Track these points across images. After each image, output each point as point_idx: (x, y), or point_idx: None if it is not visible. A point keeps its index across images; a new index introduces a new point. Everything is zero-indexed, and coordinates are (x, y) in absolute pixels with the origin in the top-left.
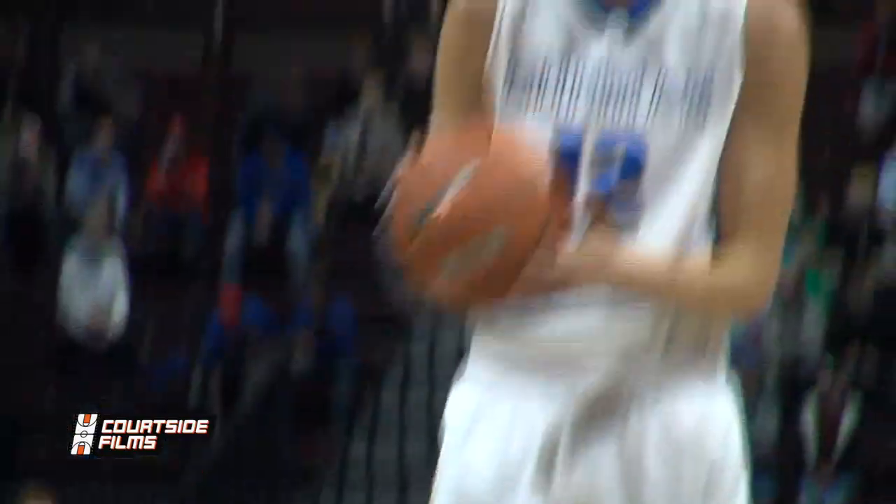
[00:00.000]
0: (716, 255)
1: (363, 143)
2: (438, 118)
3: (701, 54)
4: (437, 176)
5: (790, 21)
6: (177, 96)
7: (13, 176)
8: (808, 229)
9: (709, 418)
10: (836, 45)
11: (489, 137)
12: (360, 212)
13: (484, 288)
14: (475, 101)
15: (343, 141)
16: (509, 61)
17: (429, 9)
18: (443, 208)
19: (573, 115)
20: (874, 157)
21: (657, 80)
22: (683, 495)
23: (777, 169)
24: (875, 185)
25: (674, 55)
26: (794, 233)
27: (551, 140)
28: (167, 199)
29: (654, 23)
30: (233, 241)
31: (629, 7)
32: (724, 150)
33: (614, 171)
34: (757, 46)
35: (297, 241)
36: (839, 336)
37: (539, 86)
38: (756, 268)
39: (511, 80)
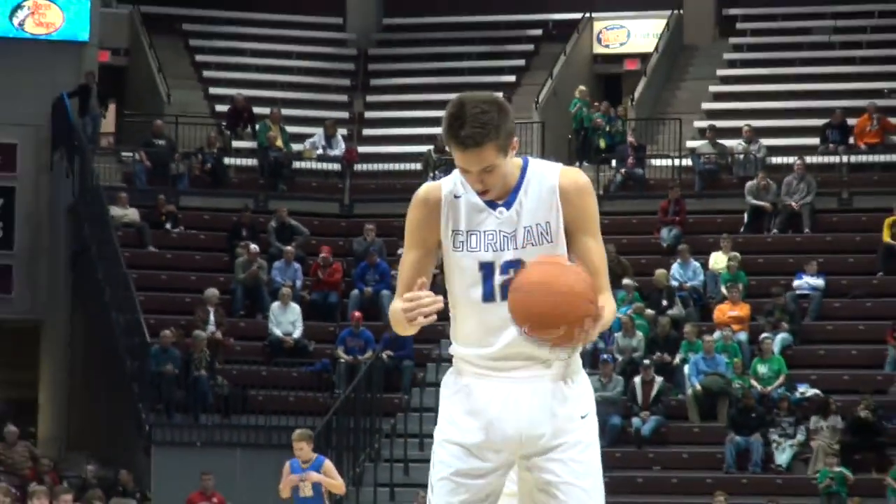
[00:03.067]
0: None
1: None
2: (406, 255)
3: (543, 213)
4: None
5: (582, 181)
6: (323, 234)
7: (246, 271)
8: (634, 297)
9: (578, 384)
10: (649, 208)
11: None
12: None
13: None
14: (424, 245)
15: None
16: (453, 231)
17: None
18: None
19: (485, 254)
20: (669, 261)
21: (524, 231)
22: (570, 418)
23: (599, 252)
24: (669, 274)
25: (530, 218)
26: (627, 297)
27: (478, 265)
28: (321, 283)
29: (517, 206)
30: (352, 301)
31: (504, 202)
32: (569, 249)
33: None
34: (568, 197)
35: (385, 300)
36: (651, 347)
37: (466, 242)
38: (613, 304)
39: (452, 239)
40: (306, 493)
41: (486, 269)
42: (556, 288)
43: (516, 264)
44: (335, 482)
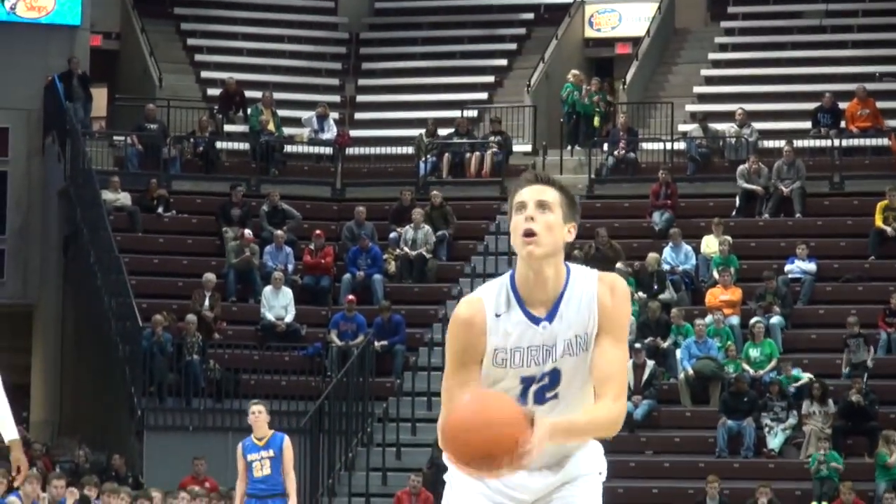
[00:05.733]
0: (595, 404)
1: (413, 239)
2: (451, 378)
3: (582, 323)
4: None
5: (619, 286)
6: (314, 218)
7: (238, 255)
8: (628, 281)
9: (586, 448)
10: (641, 191)
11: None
12: (409, 272)
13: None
14: (469, 364)
15: (399, 238)
16: (495, 349)
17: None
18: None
19: (527, 370)
20: (660, 244)
21: (564, 343)
22: (581, 468)
23: (620, 359)
24: (660, 257)
25: (570, 330)
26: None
27: (520, 380)
28: (313, 267)
29: (559, 319)
30: (344, 285)
31: (547, 315)
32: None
33: (547, 387)
34: (604, 303)
35: (377, 284)
36: (643, 331)
37: (509, 360)
38: (615, 412)
39: (493, 357)
40: (263, 471)
41: (526, 381)
42: (475, 424)
43: (554, 374)
44: (291, 478)
